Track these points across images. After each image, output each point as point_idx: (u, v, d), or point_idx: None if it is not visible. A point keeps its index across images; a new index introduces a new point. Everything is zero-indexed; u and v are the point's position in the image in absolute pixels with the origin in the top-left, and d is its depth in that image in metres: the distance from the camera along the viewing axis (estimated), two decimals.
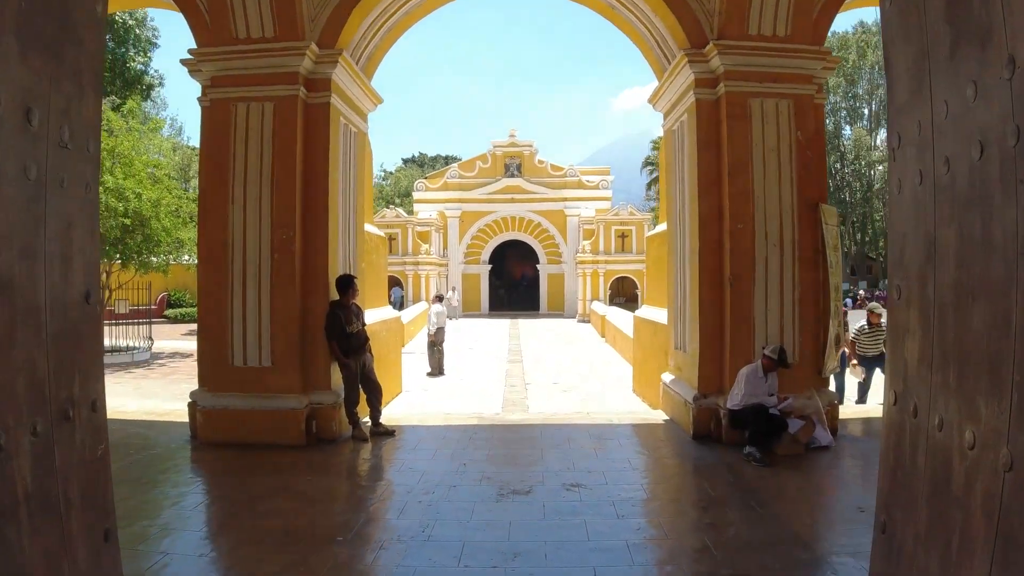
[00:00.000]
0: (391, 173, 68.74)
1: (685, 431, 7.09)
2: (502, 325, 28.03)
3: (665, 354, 8.42)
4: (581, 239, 33.95)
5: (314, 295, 6.88)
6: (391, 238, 32.78)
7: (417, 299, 30.51)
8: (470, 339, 21.31)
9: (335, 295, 6.86)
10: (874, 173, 53.27)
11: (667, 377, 8.02)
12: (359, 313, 7.01)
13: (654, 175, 48.29)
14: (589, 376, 13.02)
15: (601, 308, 25.56)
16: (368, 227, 9.30)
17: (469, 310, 35.14)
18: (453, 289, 32.55)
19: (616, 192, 37.47)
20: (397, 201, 52.88)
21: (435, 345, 13.80)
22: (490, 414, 8.43)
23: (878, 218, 52.88)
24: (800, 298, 6.94)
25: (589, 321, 29.17)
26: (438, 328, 13.90)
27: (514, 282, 39.31)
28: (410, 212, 36.34)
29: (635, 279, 32.67)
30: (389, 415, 8.85)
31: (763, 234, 6.87)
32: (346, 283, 6.82)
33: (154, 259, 15.27)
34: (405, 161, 71.76)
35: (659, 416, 7.99)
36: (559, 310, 35.36)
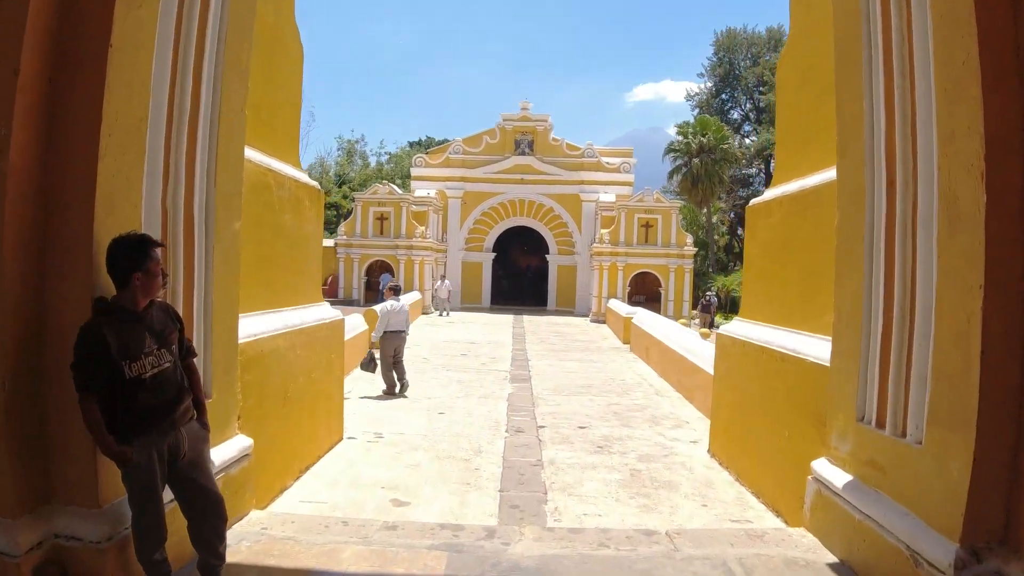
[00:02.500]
0: (393, 154, 64.32)
1: None
2: (504, 322, 24.00)
3: (814, 422, 4.45)
4: (599, 228, 29.71)
5: (64, 279, 2.92)
6: (382, 217, 28.74)
7: (410, 287, 26.47)
8: (463, 343, 17.29)
9: (112, 287, 2.89)
10: None
11: (836, 477, 4.01)
12: (169, 326, 2.99)
13: (677, 163, 43.90)
14: (630, 417, 8.85)
15: (623, 308, 21.48)
16: (279, 165, 5.31)
17: (469, 302, 31.12)
18: (443, 278, 28.05)
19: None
20: (398, 182, 48.62)
21: (374, 362, 9.23)
22: (474, 532, 4.32)
23: None
24: None
25: (605, 321, 25.11)
26: (389, 332, 9.27)
27: (519, 273, 35.19)
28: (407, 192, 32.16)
29: (659, 275, 28.54)
30: (298, 498, 4.81)
31: None
32: (129, 255, 2.79)
33: None
34: (411, 144, 67.04)
35: (812, 550, 4.00)
36: (569, 306, 31.27)
